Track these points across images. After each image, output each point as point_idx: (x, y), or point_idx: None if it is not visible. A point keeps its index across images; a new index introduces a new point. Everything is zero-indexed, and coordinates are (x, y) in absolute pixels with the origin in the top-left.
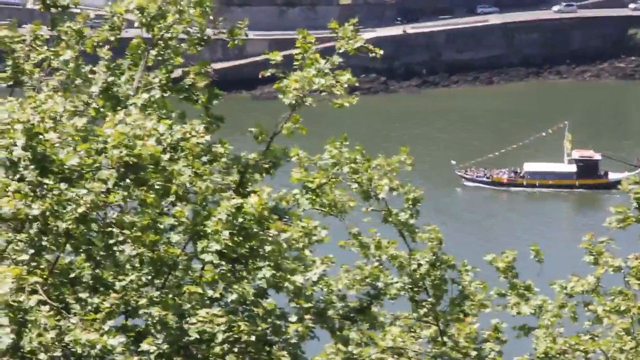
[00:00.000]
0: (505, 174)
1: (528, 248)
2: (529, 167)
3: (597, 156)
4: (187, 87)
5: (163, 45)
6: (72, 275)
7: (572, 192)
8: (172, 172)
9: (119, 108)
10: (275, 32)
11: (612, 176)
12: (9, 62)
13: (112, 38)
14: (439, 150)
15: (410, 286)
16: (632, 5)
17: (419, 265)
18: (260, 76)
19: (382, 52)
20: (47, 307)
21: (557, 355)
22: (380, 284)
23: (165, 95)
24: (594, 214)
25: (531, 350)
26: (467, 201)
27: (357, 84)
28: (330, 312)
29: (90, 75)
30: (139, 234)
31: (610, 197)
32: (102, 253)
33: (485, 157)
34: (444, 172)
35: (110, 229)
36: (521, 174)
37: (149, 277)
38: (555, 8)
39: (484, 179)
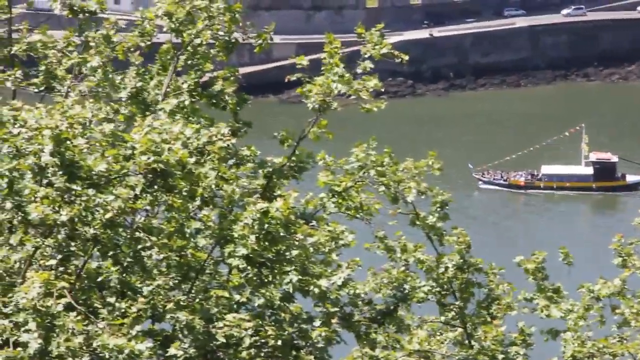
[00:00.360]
0: (522, 176)
1: (548, 250)
2: (546, 169)
3: (615, 158)
4: (215, 92)
5: (192, 50)
6: (100, 280)
7: (589, 195)
8: (199, 175)
9: (147, 113)
10: (302, 36)
11: (630, 178)
12: (42, 68)
13: (143, 44)
14: (463, 153)
15: (437, 290)
16: (564, 11)
17: (446, 268)
18: (286, 80)
19: (407, 57)
20: (74, 312)
21: (585, 359)
22: (407, 287)
23: (193, 100)
24: (611, 216)
25: (559, 353)
26: (484, 204)
27: (382, 89)
28: (356, 317)
29: (119, 82)
30: (166, 240)
31: (628, 199)
32: (129, 259)
33: (502, 160)
34: (463, 175)
35: (137, 234)
36: (538, 177)
37: (176, 282)
38: (565, 12)
39: (501, 181)
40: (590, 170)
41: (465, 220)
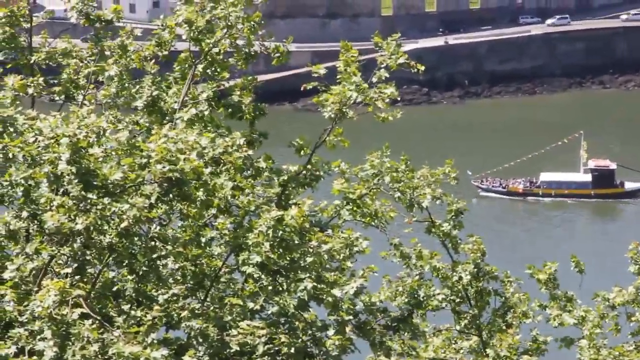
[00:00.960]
0: (521, 183)
1: (547, 257)
2: (545, 176)
3: (613, 165)
4: (233, 103)
5: (210, 59)
6: (115, 288)
7: (588, 202)
8: (214, 185)
9: (164, 122)
10: (317, 44)
11: (629, 185)
12: (63, 76)
13: (160, 53)
14: (468, 159)
15: (452, 298)
16: (623, 16)
17: (461, 277)
18: (302, 89)
19: (423, 68)
20: (90, 320)
21: None
22: (421, 294)
23: (211, 110)
24: (610, 223)
25: None
26: (483, 211)
27: (399, 97)
28: (372, 324)
29: (135, 90)
30: (181, 249)
31: (627, 207)
32: (144, 267)
33: (502, 167)
34: (462, 182)
35: (153, 243)
36: (537, 184)
37: (191, 290)
38: (549, 21)
39: (500, 188)
40: (588, 178)
41: (465, 226)
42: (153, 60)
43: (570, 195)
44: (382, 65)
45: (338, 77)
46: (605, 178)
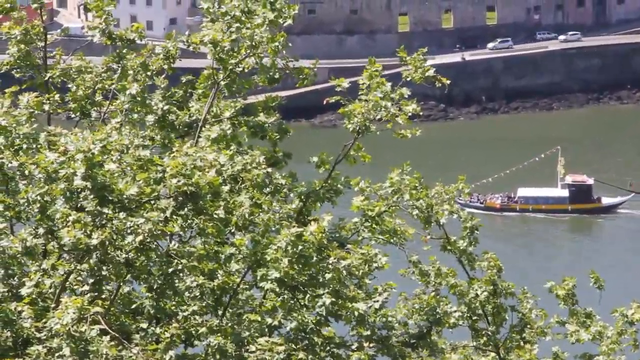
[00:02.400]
0: (498, 199)
1: (524, 271)
2: (523, 192)
3: (590, 181)
4: (255, 122)
5: (233, 77)
6: (134, 305)
7: (565, 217)
8: (233, 203)
9: (178, 137)
10: (334, 60)
11: (606, 201)
12: (78, 93)
13: (166, 66)
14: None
15: (469, 315)
16: (562, 37)
17: (477, 293)
18: (325, 102)
19: (449, 81)
20: (108, 337)
21: None
22: (439, 311)
23: (234, 128)
24: (587, 238)
25: None
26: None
27: (421, 113)
28: (391, 340)
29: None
30: (196, 262)
31: (604, 222)
32: (160, 281)
33: (479, 183)
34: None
35: (170, 258)
36: (514, 199)
37: (209, 306)
38: (490, 45)
39: (477, 204)
40: (566, 193)
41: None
42: (163, 75)
43: (547, 211)
44: (408, 79)
45: (361, 92)
46: (583, 193)
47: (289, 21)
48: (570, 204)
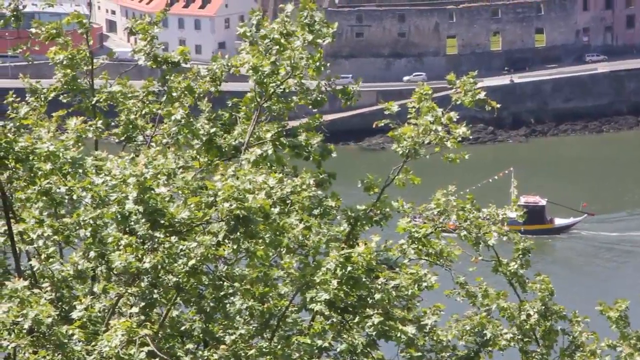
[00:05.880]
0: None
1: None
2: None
3: (543, 202)
4: (299, 143)
5: (275, 100)
6: (183, 328)
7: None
8: (284, 225)
9: (223, 159)
10: (382, 83)
11: (558, 222)
12: (122, 118)
13: (213, 89)
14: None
15: (519, 337)
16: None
17: (528, 315)
18: (374, 126)
19: (498, 105)
20: None
21: None
22: (488, 333)
23: (277, 150)
24: (540, 259)
25: None
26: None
27: (470, 136)
28: None
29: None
30: (249, 286)
31: (556, 242)
32: (212, 305)
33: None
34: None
35: (220, 281)
36: None
37: (258, 329)
38: (405, 79)
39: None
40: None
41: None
42: (207, 98)
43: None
44: (457, 103)
45: (409, 115)
46: (536, 214)
47: (328, 39)
48: (523, 225)
